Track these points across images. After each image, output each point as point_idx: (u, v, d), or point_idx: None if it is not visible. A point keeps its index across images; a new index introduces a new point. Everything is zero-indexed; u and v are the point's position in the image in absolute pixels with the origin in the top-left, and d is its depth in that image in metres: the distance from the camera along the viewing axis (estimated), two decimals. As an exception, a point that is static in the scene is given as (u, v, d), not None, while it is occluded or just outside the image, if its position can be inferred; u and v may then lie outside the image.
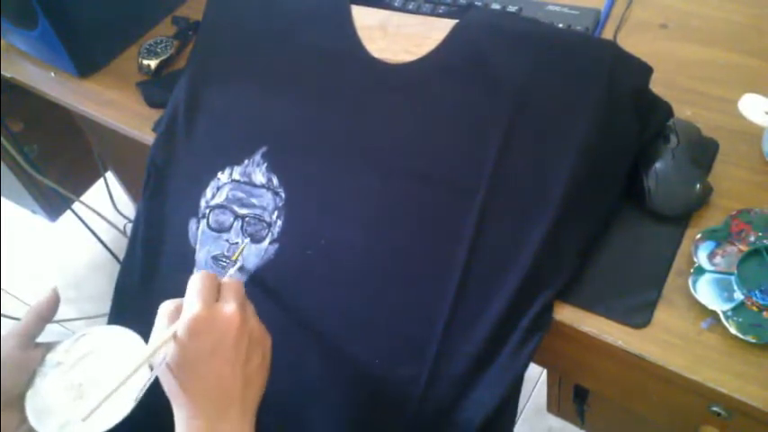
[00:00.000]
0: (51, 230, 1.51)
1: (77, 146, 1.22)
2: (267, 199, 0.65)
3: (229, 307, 0.50)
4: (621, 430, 0.90)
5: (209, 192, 0.68)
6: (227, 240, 0.65)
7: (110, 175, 1.30)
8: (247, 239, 0.65)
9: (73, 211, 1.23)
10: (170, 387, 0.49)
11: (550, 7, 0.78)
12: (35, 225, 1.52)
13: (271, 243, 0.64)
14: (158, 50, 0.84)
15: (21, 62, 0.91)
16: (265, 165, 0.66)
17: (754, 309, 0.52)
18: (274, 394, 0.60)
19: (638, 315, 0.55)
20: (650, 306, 0.55)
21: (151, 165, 0.72)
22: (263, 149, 0.67)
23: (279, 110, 0.68)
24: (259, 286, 0.63)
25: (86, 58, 0.86)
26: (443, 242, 0.59)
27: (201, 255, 0.66)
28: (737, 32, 0.67)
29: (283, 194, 0.65)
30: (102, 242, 1.24)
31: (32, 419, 0.51)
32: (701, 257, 0.56)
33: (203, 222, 0.67)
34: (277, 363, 0.61)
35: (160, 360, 0.50)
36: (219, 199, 0.67)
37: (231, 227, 0.66)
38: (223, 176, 0.67)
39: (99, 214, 1.16)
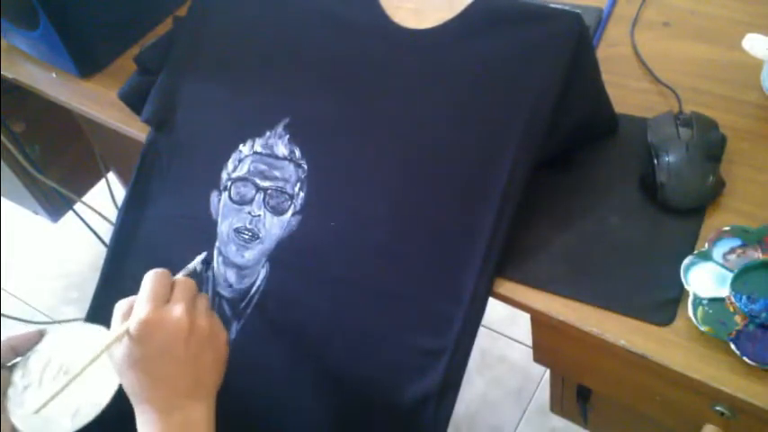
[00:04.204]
0: (53, 231, 1.51)
1: (79, 146, 1.22)
2: (289, 171, 0.66)
3: (178, 309, 0.52)
4: (625, 430, 0.90)
5: (230, 164, 0.68)
6: (249, 213, 0.66)
7: (111, 175, 1.30)
8: (202, 255, 0.66)
9: (75, 212, 1.24)
10: (125, 385, 0.52)
11: (552, 6, 0.77)
12: (37, 226, 1.52)
13: (293, 215, 0.65)
14: (159, 51, 0.84)
15: (22, 63, 0.91)
16: (287, 136, 0.67)
17: (730, 309, 0.52)
18: (300, 369, 0.62)
19: (662, 313, 0.54)
20: (673, 303, 0.55)
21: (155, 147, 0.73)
22: (286, 121, 0.67)
23: (300, 81, 0.69)
24: (281, 258, 0.64)
25: (88, 59, 0.86)
26: (471, 213, 0.59)
27: (224, 227, 0.67)
28: (740, 31, 0.67)
29: (306, 166, 0.65)
30: (103, 243, 1.24)
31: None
32: (717, 249, 0.55)
33: (225, 195, 0.68)
34: (301, 335, 0.62)
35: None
36: (241, 171, 0.68)
37: (253, 199, 0.66)
38: (245, 149, 0.68)
39: (101, 215, 1.16)
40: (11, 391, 0.56)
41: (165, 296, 0.53)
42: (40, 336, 0.59)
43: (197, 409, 0.52)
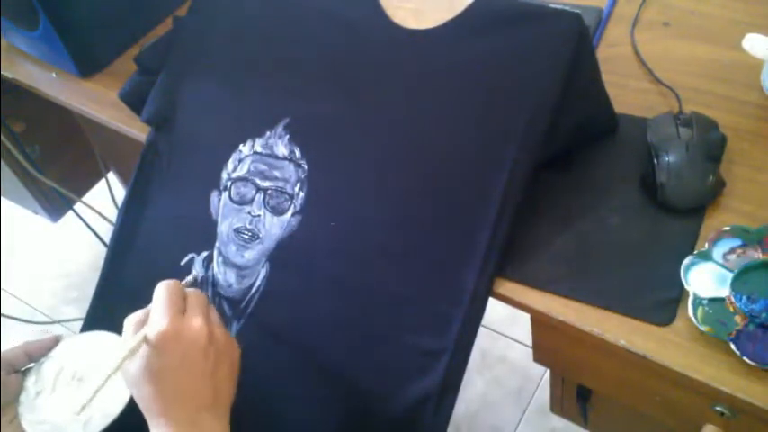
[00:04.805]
0: (53, 231, 1.51)
1: (79, 146, 1.22)
2: (289, 171, 0.66)
3: (196, 321, 0.52)
4: (625, 430, 0.90)
5: (230, 164, 0.68)
6: (248, 213, 0.66)
7: (111, 175, 1.30)
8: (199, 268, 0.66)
9: (74, 212, 1.24)
10: (141, 398, 0.50)
11: (552, 6, 0.77)
12: (36, 225, 1.52)
13: (293, 215, 0.65)
14: (159, 51, 0.84)
15: (22, 63, 0.91)
16: (287, 136, 0.67)
17: (730, 309, 0.52)
18: (300, 368, 0.62)
19: (662, 313, 0.54)
20: (673, 303, 0.55)
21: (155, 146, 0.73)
22: (286, 121, 0.67)
23: (300, 81, 0.69)
24: (281, 258, 0.64)
25: (88, 59, 0.86)
26: (471, 213, 0.59)
27: (224, 227, 0.67)
28: (740, 31, 0.67)
29: (306, 166, 0.65)
30: (103, 242, 1.24)
31: None
32: (717, 249, 0.55)
33: (225, 195, 0.68)
34: (301, 335, 0.63)
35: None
36: (241, 171, 0.68)
37: (253, 199, 0.66)
38: (245, 149, 0.68)
39: (101, 215, 1.15)
40: (23, 397, 0.55)
41: (181, 306, 0.53)
42: (56, 342, 0.58)
43: (215, 424, 0.50)
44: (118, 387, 0.53)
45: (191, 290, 0.55)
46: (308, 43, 0.70)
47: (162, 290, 0.53)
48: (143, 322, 0.52)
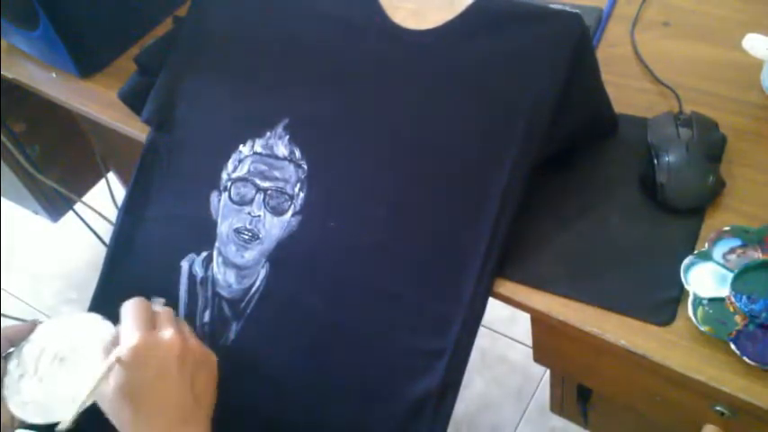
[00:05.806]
0: (53, 231, 1.51)
1: (79, 146, 1.22)
2: (289, 171, 0.66)
3: (167, 332, 0.53)
4: (625, 430, 0.90)
5: (230, 165, 0.68)
6: (248, 213, 0.66)
7: (111, 175, 1.30)
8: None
9: (74, 212, 1.24)
10: (121, 423, 0.51)
11: (553, 6, 0.77)
12: (36, 225, 1.52)
13: (293, 215, 0.65)
14: (159, 51, 0.84)
15: (22, 63, 0.91)
16: (287, 137, 0.67)
17: (730, 309, 0.52)
18: (299, 368, 0.62)
19: (662, 313, 0.54)
20: (673, 303, 0.55)
21: (155, 144, 0.73)
22: (286, 121, 0.67)
23: (300, 81, 0.69)
24: (281, 258, 0.64)
25: (88, 59, 0.86)
26: (471, 213, 0.59)
27: (224, 227, 0.67)
28: (740, 31, 0.67)
29: (306, 167, 0.65)
30: (103, 243, 1.24)
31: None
32: (717, 249, 0.55)
33: (225, 195, 0.68)
34: (301, 335, 0.63)
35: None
36: (241, 172, 0.68)
37: (253, 200, 0.66)
38: (245, 149, 0.68)
39: (101, 215, 1.16)
40: (7, 380, 0.56)
41: (150, 322, 0.54)
42: (33, 327, 0.59)
43: None
44: (101, 364, 0.54)
45: (160, 307, 0.57)
46: (307, 43, 0.70)
47: (129, 308, 0.54)
48: (114, 344, 0.52)
